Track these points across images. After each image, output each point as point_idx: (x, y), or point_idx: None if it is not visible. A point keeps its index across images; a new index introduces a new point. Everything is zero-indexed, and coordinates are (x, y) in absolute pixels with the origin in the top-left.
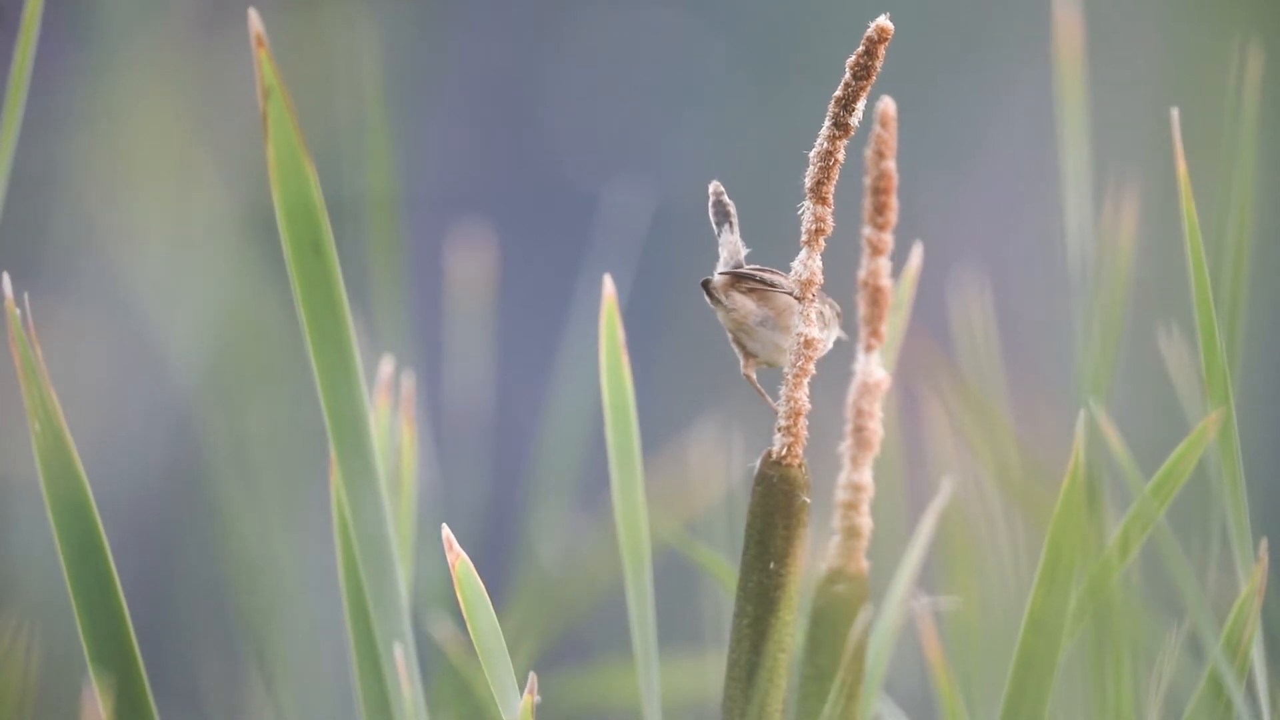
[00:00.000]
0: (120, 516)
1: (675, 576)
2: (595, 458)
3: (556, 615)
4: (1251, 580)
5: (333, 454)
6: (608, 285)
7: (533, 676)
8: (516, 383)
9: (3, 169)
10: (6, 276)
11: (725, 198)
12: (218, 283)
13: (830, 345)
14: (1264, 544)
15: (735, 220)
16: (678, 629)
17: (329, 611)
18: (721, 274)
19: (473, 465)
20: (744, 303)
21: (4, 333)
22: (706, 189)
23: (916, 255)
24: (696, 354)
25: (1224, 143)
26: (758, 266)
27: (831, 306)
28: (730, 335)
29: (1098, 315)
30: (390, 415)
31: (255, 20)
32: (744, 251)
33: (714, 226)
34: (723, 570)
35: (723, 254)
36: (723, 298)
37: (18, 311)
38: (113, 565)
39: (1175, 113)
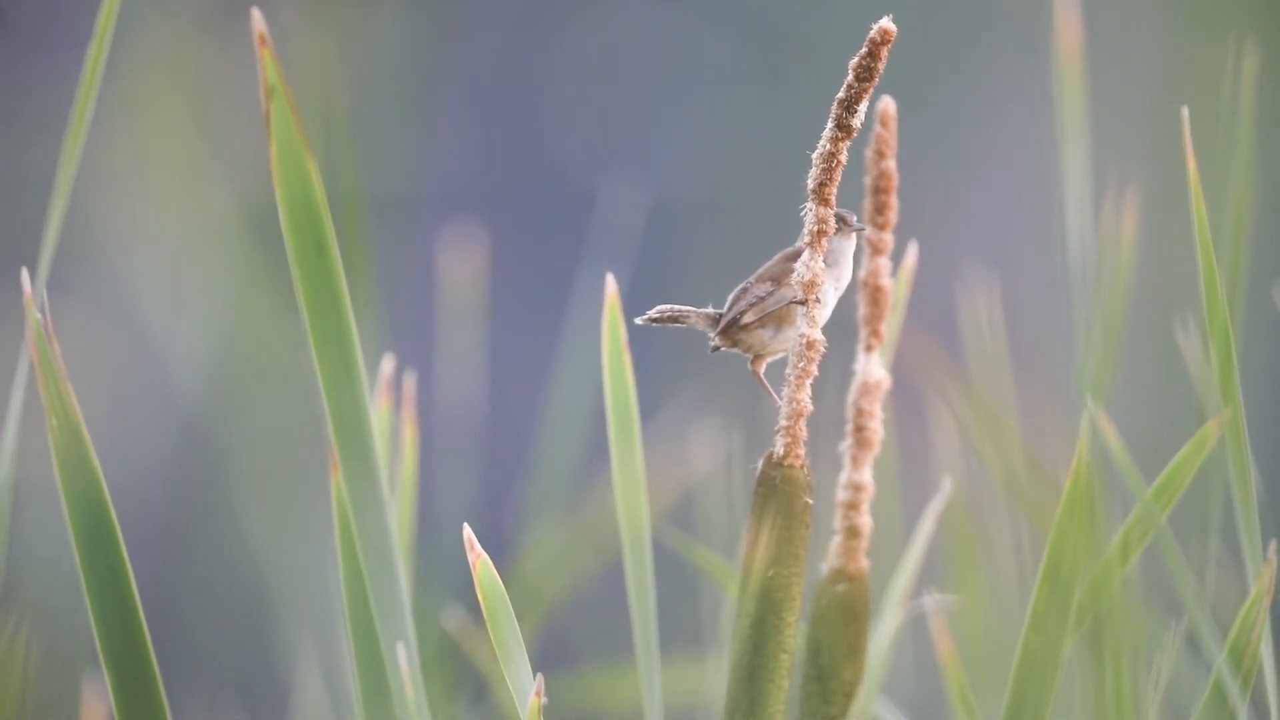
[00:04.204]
0: (129, 513)
1: (673, 577)
2: (592, 457)
3: (552, 616)
4: (1260, 581)
5: (334, 453)
6: (610, 285)
7: (539, 678)
8: (511, 381)
9: (69, 173)
10: (25, 274)
11: (660, 312)
12: (224, 281)
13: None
14: (1274, 545)
15: (682, 308)
16: (675, 630)
17: (337, 608)
18: (715, 337)
19: (467, 464)
20: (751, 336)
21: (20, 328)
22: (704, 191)
23: (912, 254)
24: (695, 352)
25: (1221, 140)
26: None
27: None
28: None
29: (1099, 314)
30: (392, 415)
31: (258, 20)
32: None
33: (679, 325)
34: (722, 571)
35: (703, 327)
36: (735, 344)
37: (39, 316)
38: (126, 559)
39: (1185, 112)
